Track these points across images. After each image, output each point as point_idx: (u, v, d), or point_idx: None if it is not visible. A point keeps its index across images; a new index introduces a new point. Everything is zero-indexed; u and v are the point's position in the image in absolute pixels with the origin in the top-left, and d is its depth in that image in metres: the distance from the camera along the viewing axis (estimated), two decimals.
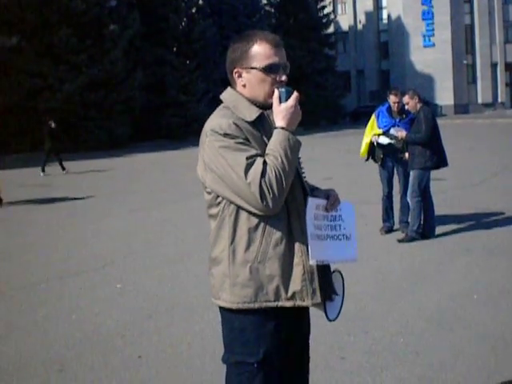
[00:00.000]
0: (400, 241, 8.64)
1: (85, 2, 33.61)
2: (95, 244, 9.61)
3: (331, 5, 62.63)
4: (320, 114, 52.54)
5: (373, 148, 9.42)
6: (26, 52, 32.84)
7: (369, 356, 4.76)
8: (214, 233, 2.74)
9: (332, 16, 58.28)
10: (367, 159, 9.66)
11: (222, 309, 2.78)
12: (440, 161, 8.78)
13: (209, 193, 2.72)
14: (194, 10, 44.77)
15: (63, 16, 33.32)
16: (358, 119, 53.75)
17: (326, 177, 16.10)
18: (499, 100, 66.03)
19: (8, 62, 32.24)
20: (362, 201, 11.76)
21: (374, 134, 9.28)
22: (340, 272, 2.94)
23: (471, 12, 65.25)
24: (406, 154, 8.93)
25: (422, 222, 8.76)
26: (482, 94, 65.50)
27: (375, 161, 9.49)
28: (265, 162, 2.53)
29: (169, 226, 10.78)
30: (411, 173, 8.80)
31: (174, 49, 41.27)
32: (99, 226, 11.11)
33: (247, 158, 2.52)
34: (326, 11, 56.62)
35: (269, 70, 2.68)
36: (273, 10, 54.94)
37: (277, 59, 2.70)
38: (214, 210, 2.74)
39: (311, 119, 49.97)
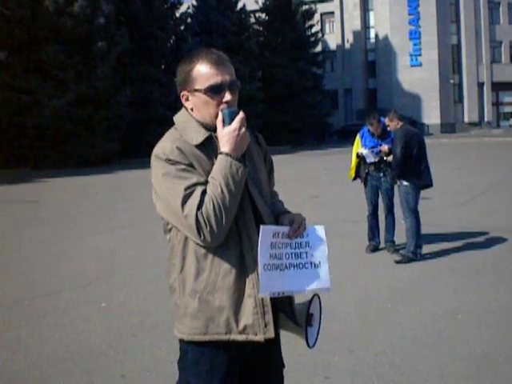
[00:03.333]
0: (398, 262, 8.54)
1: (73, 19, 33.63)
2: (80, 261, 9.55)
3: (319, 24, 63.02)
4: (307, 132, 52.77)
5: (359, 167, 9.48)
6: (14, 67, 32.77)
7: (353, 376, 4.75)
8: (168, 260, 2.67)
9: (320, 35, 58.69)
10: (354, 179, 9.70)
11: (179, 338, 2.67)
12: (426, 181, 8.79)
13: (162, 218, 2.64)
14: (182, 28, 45.00)
15: (52, 32, 33.33)
16: (346, 137, 53.94)
17: (312, 195, 16.14)
18: (485, 119, 66.54)
19: None
20: (348, 219, 11.82)
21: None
22: (318, 296, 2.78)
23: (458, 32, 65.88)
24: (389, 157, 8.97)
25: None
26: (469, 114, 66.00)
27: (361, 180, 9.56)
28: (204, 192, 2.42)
29: (154, 243, 10.71)
30: (399, 194, 8.83)
31: (162, 66, 41.38)
32: (84, 243, 11.06)
33: (185, 189, 2.41)
34: (313, 30, 56.97)
35: (211, 91, 2.54)
36: (261, 29, 55.19)
37: (219, 79, 2.54)
38: (167, 236, 2.67)
39: (299, 137, 50.22)
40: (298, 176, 22.30)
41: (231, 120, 2.50)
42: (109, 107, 35.51)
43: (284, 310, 2.70)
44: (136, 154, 38.82)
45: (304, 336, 2.72)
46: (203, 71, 2.56)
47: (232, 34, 47.14)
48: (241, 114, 2.53)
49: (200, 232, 2.39)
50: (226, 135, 2.49)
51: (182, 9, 45.59)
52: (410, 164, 8.56)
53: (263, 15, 55.55)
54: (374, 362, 5.02)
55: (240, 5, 50.99)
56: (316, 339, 2.77)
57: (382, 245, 9.39)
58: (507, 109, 68.52)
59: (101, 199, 18.54)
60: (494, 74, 66.63)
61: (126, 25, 38.66)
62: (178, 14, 44.52)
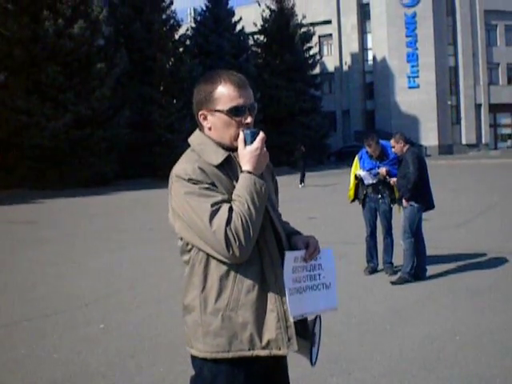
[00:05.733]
0: (393, 283, 8.57)
1: (73, 41, 33.82)
2: (78, 282, 9.55)
3: (317, 46, 63.34)
4: (305, 153, 52.79)
5: (358, 188, 9.52)
6: (13, 88, 32.89)
7: None
8: (186, 280, 2.67)
9: (318, 57, 59.00)
10: (353, 200, 9.73)
11: (193, 357, 2.68)
12: (428, 203, 8.86)
13: (180, 239, 2.67)
14: (181, 50, 45.17)
15: (51, 53, 33.49)
16: (344, 159, 54.05)
17: (310, 216, 16.16)
18: (483, 141, 66.70)
19: None
20: (346, 241, 11.83)
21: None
22: (320, 316, 2.83)
23: (455, 54, 66.24)
24: (391, 180, 9.02)
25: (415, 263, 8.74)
26: (466, 135, 66.18)
27: (359, 201, 9.59)
28: (231, 209, 2.45)
29: (153, 265, 10.75)
30: (402, 214, 8.87)
31: (161, 88, 41.50)
32: (83, 264, 11.05)
33: (212, 205, 2.44)
34: (312, 52, 57.25)
35: (234, 112, 2.61)
36: (259, 51, 55.47)
37: (241, 101, 2.62)
38: (185, 257, 2.68)
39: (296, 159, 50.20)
40: (295, 197, 22.32)
41: (252, 140, 2.58)
42: (107, 128, 35.61)
43: (296, 327, 2.71)
44: (134, 175, 38.92)
45: (307, 355, 2.76)
46: (226, 93, 2.62)
47: (230, 55, 47.39)
48: (261, 135, 2.60)
49: (229, 247, 2.41)
50: (248, 154, 2.56)
51: (181, 31, 45.80)
52: (420, 186, 8.62)
53: (262, 37, 55.86)
54: (372, 383, 5.02)
55: (239, 27, 51.36)
56: (317, 358, 2.80)
57: (381, 266, 9.41)
58: (505, 130, 68.83)
59: (99, 220, 18.55)
60: (491, 96, 66.92)
61: (126, 46, 38.87)
62: (176, 36, 44.70)
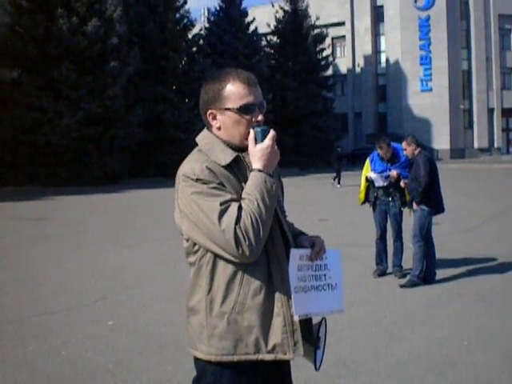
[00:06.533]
0: (402, 286, 8.56)
1: (86, 39, 33.96)
2: (88, 279, 9.58)
3: (330, 47, 63.27)
4: (317, 155, 52.80)
5: (368, 191, 9.51)
6: (26, 86, 33.03)
7: None
8: (192, 281, 2.64)
9: (331, 59, 59.03)
10: (363, 202, 9.72)
11: (196, 358, 2.66)
12: (439, 207, 8.84)
13: (187, 240, 2.62)
14: (194, 49, 45.28)
15: (65, 51, 33.65)
16: (355, 161, 53.98)
17: (321, 218, 16.15)
18: (495, 145, 66.50)
19: (8, 95, 32.42)
20: (356, 243, 11.81)
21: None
22: (325, 319, 2.81)
23: (469, 58, 66.07)
24: (402, 182, 9.01)
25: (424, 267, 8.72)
26: (479, 139, 65.98)
27: (370, 204, 9.58)
28: (240, 207, 2.42)
29: (162, 263, 10.76)
30: (412, 217, 8.85)
31: (174, 87, 41.61)
32: (92, 261, 11.09)
33: (221, 204, 2.41)
34: (324, 54, 57.26)
35: (244, 110, 2.58)
36: (272, 52, 55.55)
37: (251, 99, 2.60)
38: (191, 258, 2.64)
39: (308, 160, 50.27)
40: (306, 199, 22.32)
41: (263, 138, 2.55)
42: (120, 127, 35.74)
43: (308, 326, 2.72)
44: (146, 173, 39.03)
45: (312, 359, 2.74)
46: (236, 91, 2.60)
47: (243, 56, 47.49)
48: (272, 132, 2.57)
49: (238, 246, 2.38)
50: (259, 152, 2.53)
51: (195, 30, 45.94)
52: (431, 189, 8.60)
53: (275, 38, 55.95)
54: None
55: (252, 27, 51.41)
56: (321, 362, 2.79)
57: (390, 269, 9.39)
58: None
59: (110, 218, 18.60)
60: (504, 101, 66.69)
61: (139, 45, 39.01)
62: (190, 36, 44.82)
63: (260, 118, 2.62)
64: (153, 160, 39.45)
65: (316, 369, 2.76)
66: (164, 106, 39.73)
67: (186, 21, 44.17)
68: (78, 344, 6.30)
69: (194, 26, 45.17)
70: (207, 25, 51.15)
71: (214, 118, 2.66)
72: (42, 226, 16.66)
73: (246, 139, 2.59)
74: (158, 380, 5.25)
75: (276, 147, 2.57)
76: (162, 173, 38.77)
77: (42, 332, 6.77)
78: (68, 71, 33.32)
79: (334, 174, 30.77)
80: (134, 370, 5.49)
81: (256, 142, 2.55)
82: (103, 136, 34.89)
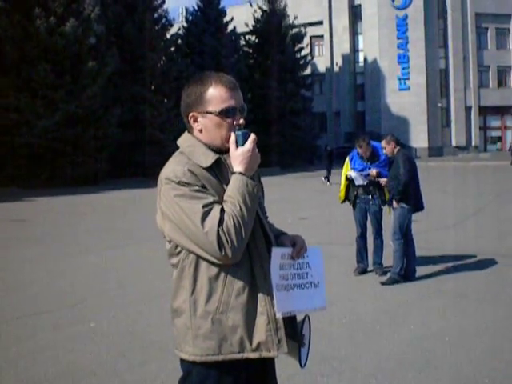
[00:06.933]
0: (383, 283, 8.64)
1: (64, 39, 33.69)
2: (68, 281, 9.55)
3: (308, 47, 63.46)
4: (296, 154, 52.92)
5: (348, 189, 9.57)
6: (4, 86, 32.74)
7: None
8: (175, 283, 2.67)
9: (309, 58, 59.06)
10: (344, 201, 9.78)
11: (182, 359, 2.68)
12: (418, 204, 8.93)
13: (169, 242, 2.65)
14: (172, 49, 45.16)
15: (42, 51, 33.35)
16: (334, 160, 54.25)
17: (301, 217, 16.20)
18: (473, 143, 66.93)
19: None
20: (336, 241, 11.87)
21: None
22: (309, 317, 2.85)
23: (446, 56, 66.43)
24: (381, 181, 9.08)
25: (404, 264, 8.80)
26: (456, 137, 66.37)
27: (350, 202, 9.64)
28: (222, 210, 2.46)
29: (143, 263, 10.76)
30: (392, 215, 8.93)
31: (152, 87, 41.43)
32: (73, 263, 11.05)
33: (203, 206, 2.45)
34: (303, 53, 57.29)
35: (225, 114, 2.62)
36: (251, 51, 55.53)
37: (233, 102, 2.64)
38: (174, 260, 2.66)
39: (287, 159, 50.32)
40: (286, 198, 22.37)
41: (244, 141, 2.59)
42: (98, 127, 35.55)
43: (293, 324, 2.76)
44: (125, 174, 38.88)
45: (297, 356, 2.77)
46: (218, 94, 2.63)
47: (222, 55, 47.36)
48: (253, 136, 2.61)
49: (221, 248, 2.42)
50: (240, 156, 2.57)
51: (173, 30, 45.77)
52: (410, 187, 8.68)
53: (253, 38, 55.91)
54: (362, 383, 5.06)
55: (230, 27, 51.36)
56: (306, 359, 2.83)
57: (370, 267, 9.46)
58: (494, 133, 69.02)
59: (90, 219, 18.52)
60: (481, 99, 67.15)
61: (117, 45, 38.77)
62: (168, 35, 44.64)
63: (241, 121, 2.66)
64: (132, 160, 39.27)
65: (301, 366, 2.79)
66: (143, 106, 39.51)
67: (164, 20, 43.96)
68: (62, 345, 6.29)
69: (172, 25, 44.98)
70: (185, 24, 50.97)
71: (196, 120, 2.69)
72: (22, 228, 16.58)
73: (227, 142, 2.62)
74: (143, 380, 5.26)
75: (257, 150, 2.62)
76: (141, 173, 38.66)
77: (25, 333, 6.75)
78: (46, 72, 33.05)
79: (325, 173, 31.18)
80: (117, 371, 5.50)
81: (237, 145, 2.59)
82: (82, 137, 34.65)
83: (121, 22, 40.12)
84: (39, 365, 5.71)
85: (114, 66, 37.10)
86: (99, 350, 6.12)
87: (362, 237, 9.52)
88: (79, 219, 18.46)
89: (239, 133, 2.60)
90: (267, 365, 2.78)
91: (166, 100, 40.95)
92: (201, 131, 2.69)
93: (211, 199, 2.49)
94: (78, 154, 34.81)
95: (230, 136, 2.62)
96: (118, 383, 5.21)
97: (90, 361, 5.78)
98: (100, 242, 13.38)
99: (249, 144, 2.58)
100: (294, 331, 2.76)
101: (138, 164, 39.17)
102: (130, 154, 39.02)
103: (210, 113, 2.63)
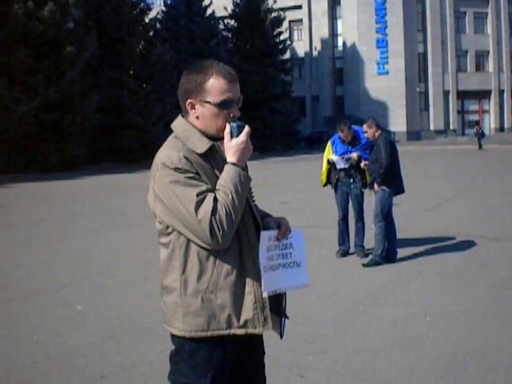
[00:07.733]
0: (365, 265, 8.77)
1: (42, 24, 33.38)
2: (54, 266, 9.58)
3: (287, 31, 63.28)
4: (275, 138, 52.97)
5: (330, 173, 9.66)
6: None
7: (328, 374, 4.90)
8: (166, 262, 2.75)
9: (288, 42, 58.90)
10: (325, 184, 9.87)
11: (172, 334, 2.79)
12: (399, 187, 9.06)
13: (160, 222, 2.74)
14: (151, 34, 44.90)
15: (20, 36, 33.03)
16: (313, 144, 54.42)
17: (282, 201, 16.28)
18: (451, 127, 67.44)
19: None
20: (318, 225, 11.98)
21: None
22: (285, 292, 2.94)
23: (424, 41, 66.72)
24: (362, 164, 9.19)
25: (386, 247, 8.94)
26: (434, 121, 66.83)
27: (331, 186, 9.73)
28: (215, 199, 2.55)
29: (126, 248, 10.80)
30: (373, 198, 9.04)
31: (131, 71, 41.20)
32: (57, 248, 11.08)
33: (197, 195, 2.53)
34: (282, 37, 57.24)
35: (223, 105, 2.70)
36: (230, 35, 55.43)
37: (231, 95, 2.73)
38: (164, 240, 2.75)
39: (267, 144, 50.32)
40: (267, 182, 22.42)
41: (239, 133, 2.69)
42: (77, 112, 35.34)
43: (277, 299, 2.88)
44: (104, 159, 38.75)
45: (278, 330, 2.91)
46: (218, 85, 2.72)
47: (201, 40, 47.25)
48: (247, 128, 2.71)
49: (213, 236, 2.52)
50: (234, 146, 2.67)
51: (152, 14, 45.48)
52: (391, 170, 8.79)
53: (232, 22, 55.77)
54: (347, 361, 5.18)
55: (209, 11, 51.17)
56: (283, 330, 2.94)
57: (352, 249, 9.58)
58: (472, 117, 69.58)
59: (70, 204, 18.47)
60: (459, 83, 67.59)
61: (95, 30, 38.48)
62: (147, 20, 44.34)
63: (237, 113, 2.76)
64: (111, 145, 39.11)
65: (281, 337, 2.93)
66: (121, 91, 39.32)
67: (142, 5, 43.69)
68: (49, 329, 6.35)
69: (150, 9, 44.69)
70: (164, 8, 50.71)
71: (193, 107, 2.76)
72: (2, 214, 16.52)
73: (222, 131, 2.71)
74: (131, 362, 5.33)
75: (250, 142, 2.71)
76: (121, 158, 38.58)
77: (12, 318, 6.80)
78: (24, 56, 32.73)
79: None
80: (105, 354, 5.56)
81: (232, 136, 2.68)
82: (60, 122, 34.44)
83: (98, 6, 39.82)
84: (28, 348, 5.76)
85: (92, 51, 36.88)
86: (86, 332, 6.19)
87: (344, 220, 9.62)
88: (60, 205, 18.42)
89: (234, 124, 2.70)
90: (256, 340, 2.89)
91: (145, 85, 40.76)
92: (197, 118, 2.75)
93: (205, 187, 2.58)
94: (57, 139, 34.62)
95: (225, 126, 2.71)
96: (107, 364, 5.28)
97: (78, 343, 5.85)
98: (81, 227, 13.39)
99: (243, 136, 2.68)
100: (278, 307, 2.88)
101: (117, 149, 39.03)
102: (109, 139, 38.85)
103: (209, 103, 2.71)
